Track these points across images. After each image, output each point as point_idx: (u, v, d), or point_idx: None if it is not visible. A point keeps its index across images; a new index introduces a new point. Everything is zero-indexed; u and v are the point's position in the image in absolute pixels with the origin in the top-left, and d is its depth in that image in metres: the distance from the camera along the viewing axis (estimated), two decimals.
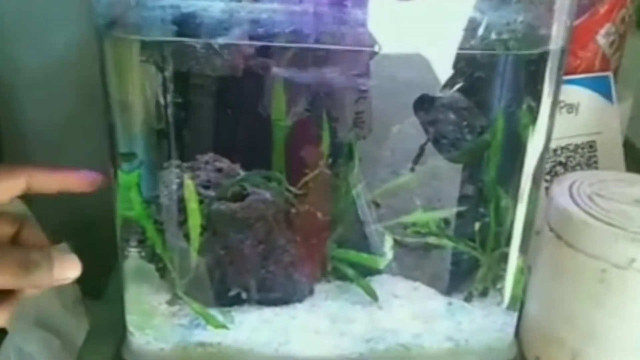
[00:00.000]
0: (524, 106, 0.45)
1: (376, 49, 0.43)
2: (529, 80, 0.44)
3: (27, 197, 0.66)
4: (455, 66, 0.47)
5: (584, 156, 0.62)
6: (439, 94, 0.47)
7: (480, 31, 0.42)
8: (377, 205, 0.49)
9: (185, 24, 0.42)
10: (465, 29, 0.42)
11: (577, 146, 0.61)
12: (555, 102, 0.44)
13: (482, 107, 0.48)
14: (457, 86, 0.48)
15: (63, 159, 0.72)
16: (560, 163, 0.61)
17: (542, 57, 0.42)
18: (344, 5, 0.42)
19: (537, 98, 0.44)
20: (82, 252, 0.64)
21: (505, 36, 0.42)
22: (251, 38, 0.43)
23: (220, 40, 0.42)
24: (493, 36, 0.42)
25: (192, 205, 0.43)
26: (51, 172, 0.42)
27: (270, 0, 0.42)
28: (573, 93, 0.60)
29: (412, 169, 0.48)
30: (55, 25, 0.67)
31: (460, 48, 0.43)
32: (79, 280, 0.65)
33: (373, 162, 0.48)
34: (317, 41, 0.43)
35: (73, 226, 0.66)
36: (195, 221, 0.44)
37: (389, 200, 0.49)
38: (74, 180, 0.43)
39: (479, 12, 0.42)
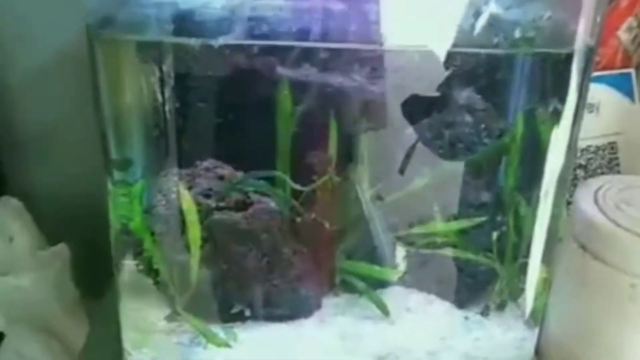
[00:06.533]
0: (547, 108, 0.42)
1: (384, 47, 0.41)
2: (554, 81, 0.41)
3: (26, 195, 0.65)
4: (472, 65, 0.44)
5: (605, 158, 0.58)
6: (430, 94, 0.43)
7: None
8: (381, 198, 0.46)
9: (183, 22, 0.39)
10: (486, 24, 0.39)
11: (597, 148, 0.58)
12: (581, 104, 0.41)
13: (501, 109, 0.45)
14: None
15: (56, 161, 0.70)
16: (581, 166, 0.58)
17: (569, 57, 0.39)
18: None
19: (562, 100, 0.40)
20: (82, 251, 0.62)
21: (529, 34, 0.39)
22: (254, 37, 0.40)
23: (221, 41, 0.39)
24: (517, 34, 0.39)
25: (191, 217, 0.40)
26: None
27: None
28: (593, 91, 0.57)
29: (402, 171, 0.45)
30: (50, 25, 0.66)
31: (480, 46, 0.40)
32: (79, 281, 0.63)
33: (385, 165, 0.46)
34: (323, 39, 0.40)
35: (73, 225, 0.64)
36: (194, 233, 0.41)
37: (401, 208, 0.46)
38: None
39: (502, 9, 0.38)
